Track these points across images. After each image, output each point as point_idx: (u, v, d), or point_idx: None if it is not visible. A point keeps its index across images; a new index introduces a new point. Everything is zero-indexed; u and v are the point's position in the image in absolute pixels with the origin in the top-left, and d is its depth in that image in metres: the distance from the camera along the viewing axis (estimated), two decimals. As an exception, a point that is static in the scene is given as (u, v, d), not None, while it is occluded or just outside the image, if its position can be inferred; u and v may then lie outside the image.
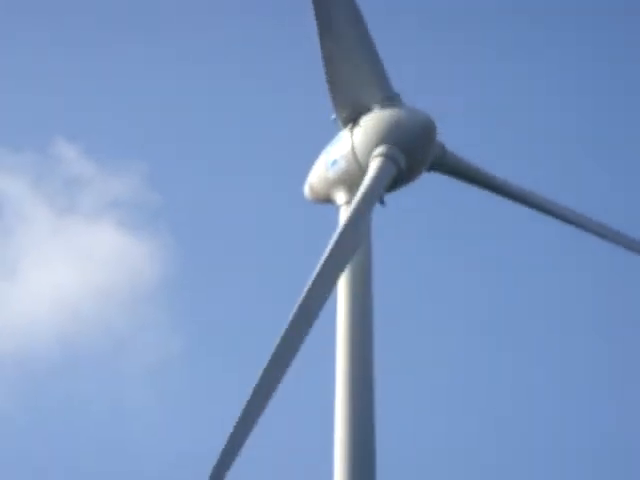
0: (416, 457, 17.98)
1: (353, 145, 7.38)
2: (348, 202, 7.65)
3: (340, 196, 7.78)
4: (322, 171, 7.94)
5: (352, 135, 7.46)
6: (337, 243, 6.60)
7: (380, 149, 7.08)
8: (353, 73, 7.61)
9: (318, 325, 5.96)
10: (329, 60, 7.39)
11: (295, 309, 5.99)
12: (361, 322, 6.99)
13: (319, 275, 6.25)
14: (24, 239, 24.65)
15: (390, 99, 7.53)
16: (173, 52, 26.24)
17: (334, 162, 7.77)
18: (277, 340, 5.71)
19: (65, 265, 24.18)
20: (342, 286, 7.02)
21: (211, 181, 24.88)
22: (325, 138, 8.20)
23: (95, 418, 21.50)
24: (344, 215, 7.62)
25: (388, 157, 6.98)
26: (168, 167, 25.97)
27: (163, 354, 22.55)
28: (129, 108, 27.01)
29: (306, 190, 8.44)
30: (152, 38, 26.80)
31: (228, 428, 5.20)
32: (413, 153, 7.19)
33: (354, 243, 6.86)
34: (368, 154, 7.21)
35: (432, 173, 8.02)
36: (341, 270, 6.66)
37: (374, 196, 7.09)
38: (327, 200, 8.13)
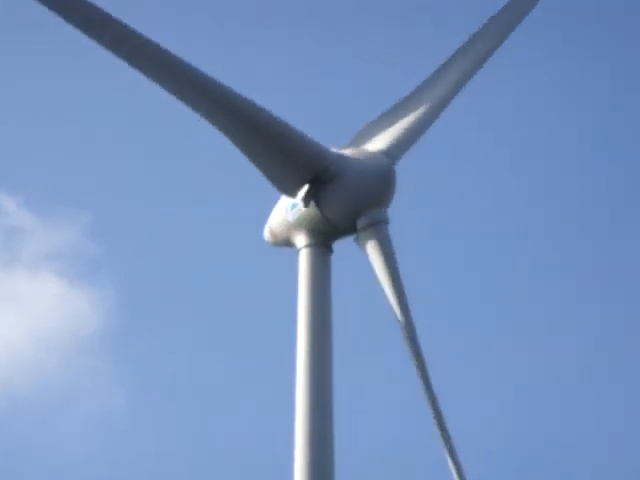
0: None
1: (317, 204, 7.45)
2: (307, 245, 7.73)
3: (300, 239, 7.83)
4: (282, 214, 7.99)
5: (314, 197, 7.48)
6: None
7: (366, 218, 7.32)
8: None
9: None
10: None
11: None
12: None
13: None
14: (-35, 290, 24.10)
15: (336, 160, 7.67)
16: (107, 100, 26.25)
17: (294, 205, 7.84)
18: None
19: (5, 316, 23.57)
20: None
21: (155, 230, 24.80)
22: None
23: (36, 470, 20.84)
24: (304, 258, 7.71)
25: (377, 224, 7.32)
26: (110, 217, 25.61)
27: (106, 406, 22.04)
28: (69, 158, 26.76)
29: (266, 233, 8.48)
30: (88, 87, 26.72)
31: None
32: (382, 201, 7.39)
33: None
34: (340, 213, 7.47)
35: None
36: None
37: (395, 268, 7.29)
38: (287, 243, 8.17)
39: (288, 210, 7.92)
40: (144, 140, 25.67)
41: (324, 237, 7.45)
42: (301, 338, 7.24)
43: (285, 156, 7.33)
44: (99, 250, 24.21)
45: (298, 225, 7.76)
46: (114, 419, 22.54)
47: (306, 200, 7.50)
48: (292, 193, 7.51)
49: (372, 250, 7.10)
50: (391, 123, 7.92)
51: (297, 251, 7.91)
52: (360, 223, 7.13)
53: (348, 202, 7.24)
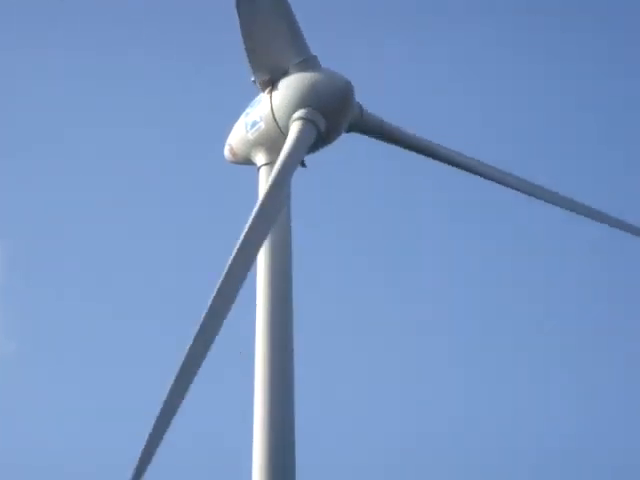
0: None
1: (272, 107, 7.46)
2: (268, 163, 7.83)
3: (260, 157, 7.94)
4: (242, 133, 8.06)
5: (271, 98, 7.52)
6: (261, 205, 6.71)
7: (299, 112, 7.15)
8: (269, 36, 7.59)
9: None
10: (246, 24, 7.38)
11: (224, 272, 5.93)
12: (281, 286, 7.24)
13: (245, 238, 6.27)
14: None
15: (307, 62, 7.64)
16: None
17: (254, 123, 7.90)
18: (202, 314, 5.64)
19: None
20: (263, 250, 7.09)
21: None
22: (244, 101, 8.33)
23: None
24: (264, 176, 7.83)
25: (308, 120, 7.10)
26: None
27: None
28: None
29: (226, 152, 8.56)
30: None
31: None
32: (332, 115, 7.32)
33: (278, 205, 7.01)
34: (287, 117, 7.27)
35: (351, 134, 8.24)
36: (266, 233, 6.69)
37: (295, 159, 7.20)
38: (247, 161, 8.28)
39: (248, 129, 7.99)
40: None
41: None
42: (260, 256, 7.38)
43: (276, 34, 7.56)
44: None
45: (258, 144, 7.86)
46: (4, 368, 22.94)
47: (265, 84, 7.68)
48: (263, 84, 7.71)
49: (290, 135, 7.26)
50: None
51: (257, 169, 8.03)
52: (298, 113, 7.24)
53: (296, 93, 7.40)
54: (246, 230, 6.37)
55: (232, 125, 8.45)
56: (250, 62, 7.65)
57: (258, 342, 6.95)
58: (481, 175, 8.60)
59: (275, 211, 6.87)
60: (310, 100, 7.30)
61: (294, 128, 7.17)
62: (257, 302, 7.23)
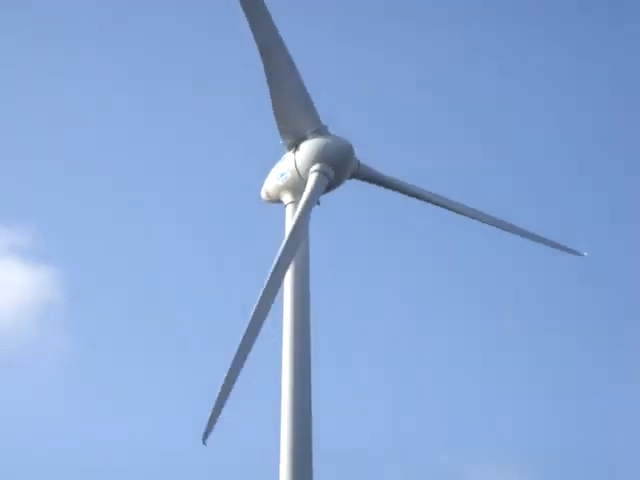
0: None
1: (295, 163, 10.46)
2: (292, 202, 10.97)
3: (286, 197, 11.08)
4: (274, 180, 11.17)
5: (295, 156, 10.52)
6: (288, 237, 9.69)
7: (315, 166, 10.12)
8: (293, 112, 10.78)
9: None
10: (276, 104, 10.57)
11: (259, 297, 8.82)
12: (301, 311, 9.95)
13: (276, 266, 9.24)
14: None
15: (320, 130, 10.55)
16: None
17: (282, 174, 11.05)
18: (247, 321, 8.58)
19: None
20: (287, 278, 9.96)
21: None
22: (275, 158, 11.52)
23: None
24: (290, 211, 10.96)
25: (321, 172, 10.10)
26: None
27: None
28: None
29: (262, 193, 11.70)
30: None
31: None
32: (338, 168, 10.33)
33: (301, 236, 10.04)
34: (306, 169, 10.24)
35: (352, 180, 11.33)
36: (290, 260, 9.63)
37: (313, 200, 10.04)
38: (277, 201, 11.40)
39: (278, 178, 11.13)
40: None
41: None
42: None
43: (298, 110, 10.67)
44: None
45: (285, 188, 11.04)
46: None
47: (290, 146, 10.79)
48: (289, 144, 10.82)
49: (308, 186, 10.22)
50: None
51: (284, 206, 11.13)
52: (313, 167, 10.28)
53: (313, 152, 10.40)
54: (279, 255, 9.42)
55: (266, 176, 11.58)
56: (279, 130, 10.80)
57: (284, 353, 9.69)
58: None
59: (299, 241, 9.88)
60: (323, 157, 10.39)
61: (311, 178, 10.26)
62: (284, 314, 10.02)
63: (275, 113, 10.61)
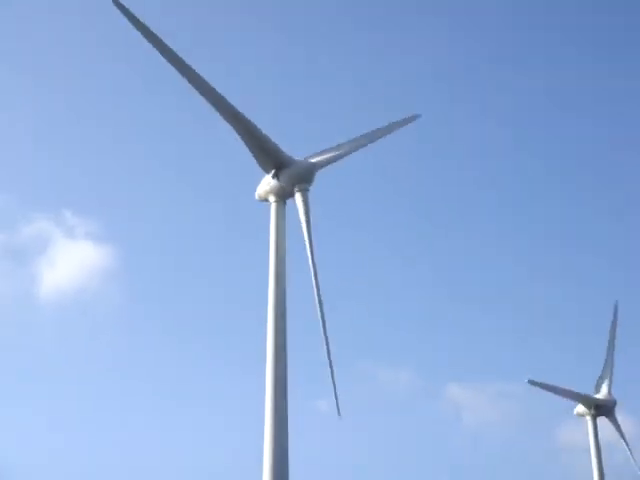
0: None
1: (278, 181, 18.45)
2: (275, 201, 18.04)
3: (272, 197, 18.69)
4: (264, 187, 18.72)
5: (277, 178, 18.56)
6: (308, 238, 17.77)
7: (297, 187, 18.28)
8: (260, 154, 18.36)
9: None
10: (252, 151, 18.01)
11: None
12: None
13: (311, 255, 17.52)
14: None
15: (288, 160, 18.46)
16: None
17: (269, 182, 18.14)
18: None
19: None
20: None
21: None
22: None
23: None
24: (273, 206, 18.10)
25: (302, 189, 18.32)
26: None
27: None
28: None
29: (256, 195, 18.85)
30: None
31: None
32: (308, 181, 18.22)
33: (311, 233, 17.76)
34: (288, 184, 18.48)
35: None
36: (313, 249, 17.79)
37: (309, 209, 18.12)
38: (265, 200, 18.41)
39: (268, 184, 18.47)
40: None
41: (282, 197, 17.79)
42: (271, 251, 17.33)
43: (265, 154, 17.95)
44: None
45: (271, 191, 18.53)
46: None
47: (274, 175, 18.59)
48: (267, 170, 18.66)
49: (299, 202, 18.33)
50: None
51: (269, 204, 17.95)
52: (296, 188, 18.30)
53: (292, 177, 18.33)
54: (309, 249, 18.00)
55: (257, 185, 18.77)
56: (258, 163, 17.95)
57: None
58: None
59: (311, 236, 17.87)
60: (299, 178, 17.71)
61: (298, 196, 18.33)
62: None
63: (256, 159, 18.17)
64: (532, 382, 39.65)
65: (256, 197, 19.31)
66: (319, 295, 16.34)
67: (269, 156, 18.13)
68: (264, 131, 17.93)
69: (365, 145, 20.14)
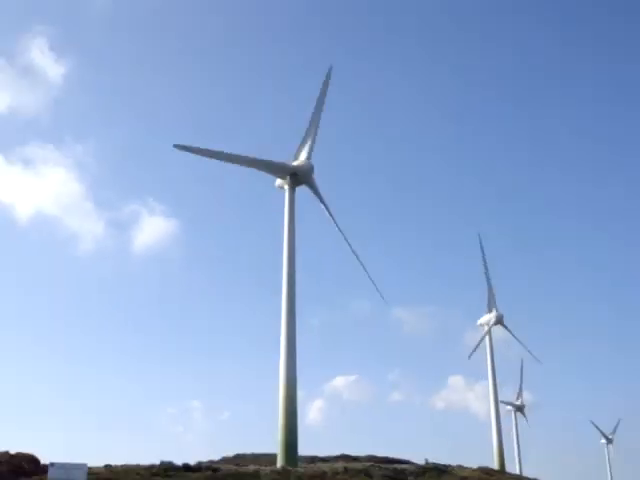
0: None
1: (291, 185, 35.91)
2: (289, 189, 34.38)
3: (286, 187, 35.13)
4: (281, 181, 34.93)
5: (289, 179, 36.16)
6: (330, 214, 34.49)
7: (306, 178, 36.56)
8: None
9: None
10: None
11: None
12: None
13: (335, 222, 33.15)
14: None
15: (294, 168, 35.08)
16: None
17: (287, 178, 34.39)
18: None
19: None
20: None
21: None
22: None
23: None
24: (288, 193, 34.21)
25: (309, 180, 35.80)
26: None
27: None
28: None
29: (276, 185, 35.24)
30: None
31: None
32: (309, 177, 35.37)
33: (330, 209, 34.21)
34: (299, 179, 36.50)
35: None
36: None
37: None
38: (281, 188, 34.91)
39: (284, 180, 34.66)
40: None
41: (294, 185, 35.51)
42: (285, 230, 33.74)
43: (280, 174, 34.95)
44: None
45: (286, 182, 35.72)
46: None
47: (289, 182, 35.77)
48: (283, 179, 36.03)
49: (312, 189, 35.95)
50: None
51: (285, 189, 34.63)
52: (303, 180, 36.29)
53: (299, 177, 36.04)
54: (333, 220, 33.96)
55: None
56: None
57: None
58: None
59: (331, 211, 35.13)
60: (304, 175, 34.23)
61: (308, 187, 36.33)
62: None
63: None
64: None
65: (276, 186, 36.18)
66: (344, 235, 34.13)
67: (282, 172, 35.29)
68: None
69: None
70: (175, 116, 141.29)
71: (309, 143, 36.47)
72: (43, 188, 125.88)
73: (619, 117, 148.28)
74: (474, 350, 58.43)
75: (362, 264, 34.02)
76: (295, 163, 36.40)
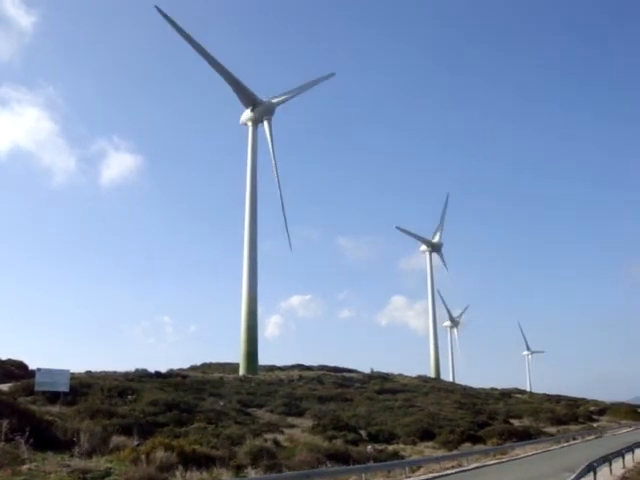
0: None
1: (255, 114, 38.05)
2: (252, 125, 37.89)
3: (249, 123, 38.80)
4: (245, 116, 38.83)
5: (253, 111, 38.48)
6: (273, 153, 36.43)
7: (265, 117, 39.77)
8: (241, 95, 37.64)
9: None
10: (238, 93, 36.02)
11: None
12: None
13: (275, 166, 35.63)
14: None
15: (259, 102, 37.58)
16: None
17: (248, 114, 37.31)
18: None
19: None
20: None
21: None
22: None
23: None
24: (250, 129, 37.47)
25: (268, 119, 39.38)
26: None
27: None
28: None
29: (241, 121, 37.97)
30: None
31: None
32: (271, 113, 38.20)
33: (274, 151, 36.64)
34: (261, 116, 41.23)
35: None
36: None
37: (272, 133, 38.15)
38: (245, 124, 37.65)
39: (247, 115, 37.51)
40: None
41: (255, 123, 39.82)
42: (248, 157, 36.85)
43: (246, 97, 37.82)
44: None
45: (248, 119, 39.35)
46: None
47: (252, 109, 39.34)
48: (247, 106, 39.29)
49: (266, 127, 38.77)
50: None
51: (248, 126, 37.24)
52: (264, 118, 38.98)
53: (261, 111, 39.22)
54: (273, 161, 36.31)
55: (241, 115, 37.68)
56: (241, 102, 36.92)
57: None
58: None
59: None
60: (266, 111, 37.80)
61: (266, 124, 39.41)
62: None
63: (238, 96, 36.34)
64: (399, 228, 64.05)
65: (240, 122, 38.21)
66: (278, 177, 36.16)
67: (248, 98, 37.29)
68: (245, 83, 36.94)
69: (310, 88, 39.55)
70: (143, 59, 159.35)
71: (287, 97, 39.29)
72: (19, 126, 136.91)
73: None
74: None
75: (283, 208, 38.31)
76: (264, 99, 39.65)
